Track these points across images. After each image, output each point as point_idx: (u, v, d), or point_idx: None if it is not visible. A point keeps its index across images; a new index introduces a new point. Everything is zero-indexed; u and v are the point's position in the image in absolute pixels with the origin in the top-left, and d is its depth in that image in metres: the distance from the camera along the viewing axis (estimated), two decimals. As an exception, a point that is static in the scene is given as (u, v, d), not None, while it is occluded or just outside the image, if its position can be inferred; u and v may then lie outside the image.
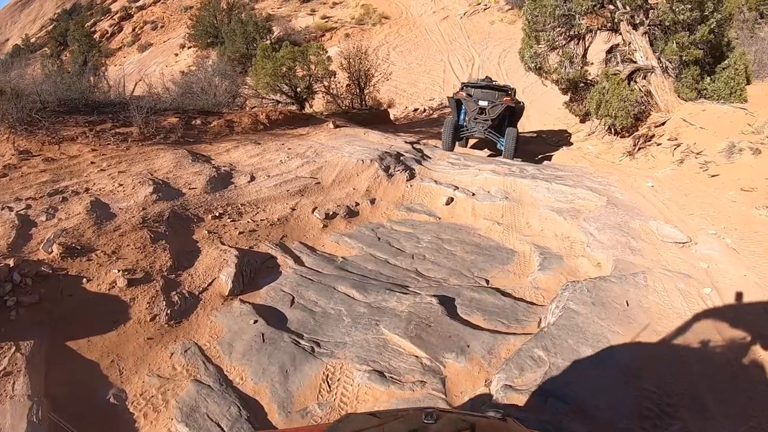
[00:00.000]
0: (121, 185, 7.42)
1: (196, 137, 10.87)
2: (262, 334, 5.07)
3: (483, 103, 12.11)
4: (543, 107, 19.06)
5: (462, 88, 13.11)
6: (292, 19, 37.19)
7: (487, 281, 6.36)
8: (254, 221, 7.45)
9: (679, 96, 12.61)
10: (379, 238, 7.49)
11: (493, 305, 5.57)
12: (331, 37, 32.08)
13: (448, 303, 5.53)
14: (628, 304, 5.21)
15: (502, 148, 12.24)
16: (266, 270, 6.34)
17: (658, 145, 11.38)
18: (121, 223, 6.40)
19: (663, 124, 12.10)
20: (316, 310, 5.56)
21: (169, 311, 5.27)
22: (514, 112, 12.78)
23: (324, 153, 10.10)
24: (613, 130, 12.98)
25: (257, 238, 7.02)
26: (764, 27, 18.64)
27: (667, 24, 11.98)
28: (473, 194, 8.76)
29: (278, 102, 15.19)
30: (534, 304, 5.75)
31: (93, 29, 46.93)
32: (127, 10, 51.34)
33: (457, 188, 8.98)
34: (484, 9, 30.59)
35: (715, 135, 10.75)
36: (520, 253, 7.18)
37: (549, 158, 13.17)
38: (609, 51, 13.96)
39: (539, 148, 14.88)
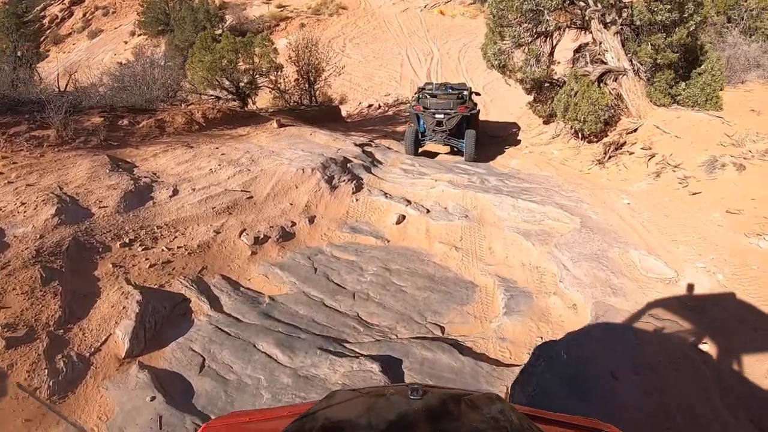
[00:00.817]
0: (24, 204, 6.16)
1: (122, 140, 9.55)
2: (160, 417, 3.91)
3: (439, 117, 12.09)
4: (505, 106, 18.07)
5: (418, 97, 12.78)
6: (247, 8, 35.49)
7: (443, 329, 5.20)
8: (170, 249, 6.21)
9: (651, 101, 11.71)
10: (315, 269, 6.25)
11: (450, 369, 4.40)
12: (286, 27, 30.59)
13: (393, 368, 4.35)
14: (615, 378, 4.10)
15: (463, 150, 12.13)
16: (176, 318, 5.12)
17: (631, 154, 10.43)
18: (11, 257, 5.16)
19: (635, 130, 11.17)
20: (230, 378, 4.33)
21: (52, 382, 4.09)
22: (471, 116, 12.52)
23: (261, 160, 8.78)
24: (580, 134, 12.00)
25: (171, 272, 5.80)
26: (732, 32, 18.01)
27: (642, 24, 11.03)
28: (428, 211, 7.58)
29: (218, 98, 13.70)
30: (499, 363, 4.60)
31: (42, 14, 44.22)
32: (80, -6, 48.44)
33: (410, 203, 7.79)
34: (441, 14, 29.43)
35: (692, 145, 9.87)
36: (482, 287, 6.03)
37: (511, 163, 12.14)
38: (577, 50, 12.98)
39: (501, 150, 13.85)
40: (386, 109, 18.33)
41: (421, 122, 12.43)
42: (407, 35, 26.78)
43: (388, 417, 2.06)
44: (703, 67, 11.80)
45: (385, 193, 8.09)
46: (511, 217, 7.27)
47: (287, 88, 14.91)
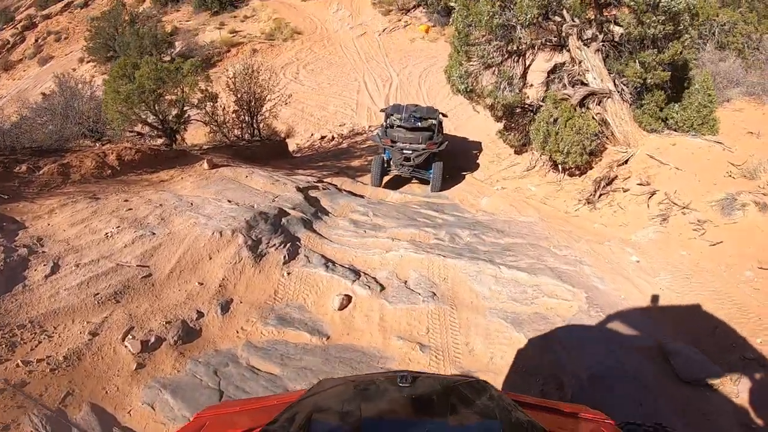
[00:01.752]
0: None
1: (16, 191, 7.61)
2: None
3: (407, 153, 11.68)
4: (470, 134, 16.48)
5: (386, 129, 12.18)
6: (199, 33, 33.59)
7: None
8: (28, 364, 4.34)
9: (640, 126, 10.17)
10: (222, 393, 4.29)
11: None
12: (237, 54, 28.76)
13: None
14: None
15: (430, 180, 11.78)
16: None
17: (626, 191, 8.79)
18: None
19: (626, 162, 9.56)
20: None
21: None
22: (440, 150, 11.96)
23: (173, 218, 6.81)
24: (561, 167, 10.34)
25: (21, 403, 3.96)
26: (705, 48, 16.82)
27: (631, 39, 9.52)
28: (382, 288, 5.69)
29: (140, 135, 11.63)
30: None
31: (-8, 39, 41.79)
32: (32, 19, 45.81)
33: (359, 276, 5.88)
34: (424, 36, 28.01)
35: (697, 179, 8.29)
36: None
37: (482, 202, 10.42)
38: (552, 71, 11.41)
39: (469, 185, 12.12)
40: (340, 141, 16.46)
41: (387, 151, 12.06)
42: (365, 60, 25.10)
43: (377, 404, 2.09)
44: (696, 86, 10.35)
45: (327, 262, 6.16)
46: (494, 294, 5.43)
47: (225, 120, 12.94)
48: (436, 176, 11.62)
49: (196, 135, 13.49)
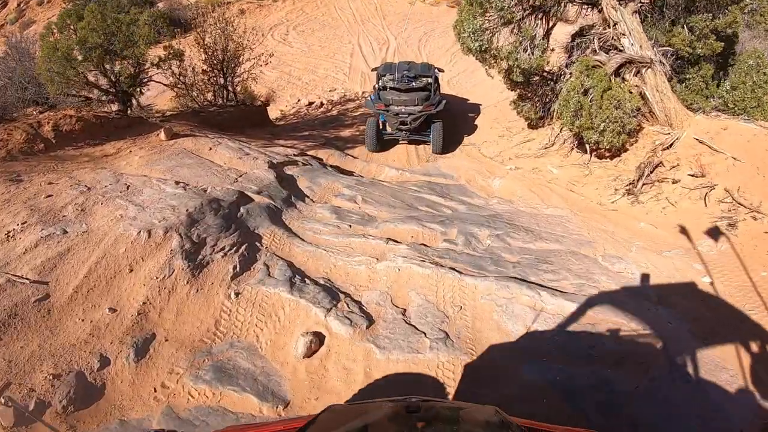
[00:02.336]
0: None
1: None
2: None
3: (403, 116, 11.00)
4: (474, 104, 14.70)
5: (378, 92, 11.37)
6: (185, -8, 31.36)
7: None
8: None
9: (685, 104, 8.46)
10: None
11: None
12: (223, 14, 26.60)
13: None
14: None
15: (431, 142, 11.23)
16: None
17: (675, 182, 7.11)
18: None
19: (670, 145, 7.86)
20: None
21: None
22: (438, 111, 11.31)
23: (95, 209, 5.07)
24: (589, 146, 8.63)
25: None
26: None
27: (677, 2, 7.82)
28: (370, 323, 3.98)
29: (87, 100, 9.65)
30: None
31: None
32: (14, -18, 43.35)
33: (337, 300, 4.17)
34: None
35: (761, 174, 6.61)
36: None
37: (494, 183, 8.72)
38: (579, 34, 9.61)
39: (477, 166, 10.40)
40: (329, 107, 14.57)
41: (383, 118, 11.31)
42: (360, 22, 23.03)
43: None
44: (750, 62, 8.66)
45: (295, 275, 4.44)
46: (534, 338, 3.74)
47: (195, 82, 11.03)
48: (436, 137, 11.03)
49: (162, 99, 11.60)
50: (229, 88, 11.46)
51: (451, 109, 12.33)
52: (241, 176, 6.54)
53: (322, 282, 4.41)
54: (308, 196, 6.57)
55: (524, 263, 4.74)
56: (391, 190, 7.35)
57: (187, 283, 4.18)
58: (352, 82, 16.78)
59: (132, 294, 4.06)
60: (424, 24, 21.83)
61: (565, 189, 8.27)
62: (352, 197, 6.56)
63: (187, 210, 4.93)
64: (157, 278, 4.15)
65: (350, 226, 5.56)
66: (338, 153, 10.39)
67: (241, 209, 5.43)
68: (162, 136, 8.30)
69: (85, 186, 5.65)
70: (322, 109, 14.73)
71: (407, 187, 7.83)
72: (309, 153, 9.62)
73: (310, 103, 15.06)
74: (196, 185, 5.83)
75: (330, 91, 16.17)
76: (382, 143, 11.45)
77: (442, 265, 4.55)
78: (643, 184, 7.29)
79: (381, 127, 11.32)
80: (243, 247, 4.73)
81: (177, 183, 5.85)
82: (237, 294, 4.19)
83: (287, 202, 6.10)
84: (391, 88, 11.24)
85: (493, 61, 9.16)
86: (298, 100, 15.34)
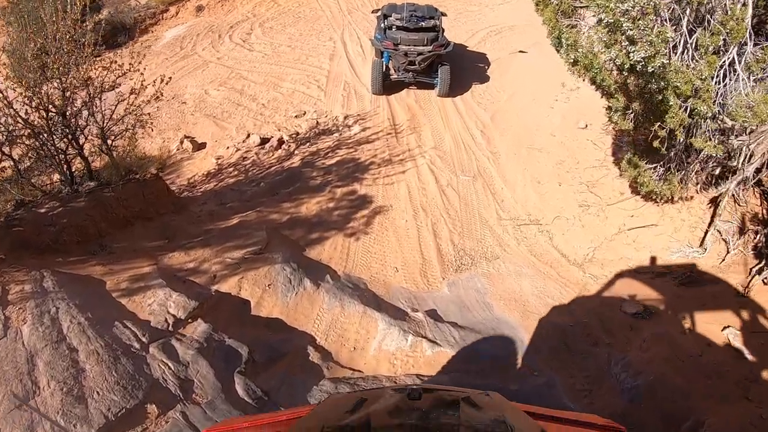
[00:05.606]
0: None
1: None
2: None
3: (412, 56, 10.92)
4: (517, 129, 9.36)
5: (385, 30, 11.24)
6: (138, -7, 26.42)
7: None
8: None
9: None
10: None
11: None
12: (177, 13, 21.68)
13: None
14: None
15: (437, 85, 11.37)
16: None
17: None
18: None
19: None
20: None
21: None
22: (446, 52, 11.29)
23: None
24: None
25: None
26: None
27: None
28: None
29: None
30: None
31: None
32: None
33: None
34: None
35: None
36: None
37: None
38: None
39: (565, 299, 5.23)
40: (291, 148, 9.22)
41: (388, 56, 11.40)
42: (345, 12, 17.66)
43: (387, 420, 2.03)
44: None
45: None
46: None
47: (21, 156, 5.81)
48: (443, 80, 11.16)
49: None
50: (83, 153, 6.23)
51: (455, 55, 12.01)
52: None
53: None
54: None
55: None
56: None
57: None
58: (331, 100, 11.56)
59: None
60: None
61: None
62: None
63: None
64: None
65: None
66: (289, 269, 5.37)
67: None
68: None
69: None
70: (279, 151, 9.56)
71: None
72: (221, 287, 4.57)
73: (264, 141, 9.91)
74: None
75: (296, 116, 10.93)
76: (387, 86, 11.43)
77: None
78: None
79: (386, 70, 11.30)
80: None
81: None
82: None
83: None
84: (398, 28, 11.15)
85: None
86: (247, 136, 10.11)
